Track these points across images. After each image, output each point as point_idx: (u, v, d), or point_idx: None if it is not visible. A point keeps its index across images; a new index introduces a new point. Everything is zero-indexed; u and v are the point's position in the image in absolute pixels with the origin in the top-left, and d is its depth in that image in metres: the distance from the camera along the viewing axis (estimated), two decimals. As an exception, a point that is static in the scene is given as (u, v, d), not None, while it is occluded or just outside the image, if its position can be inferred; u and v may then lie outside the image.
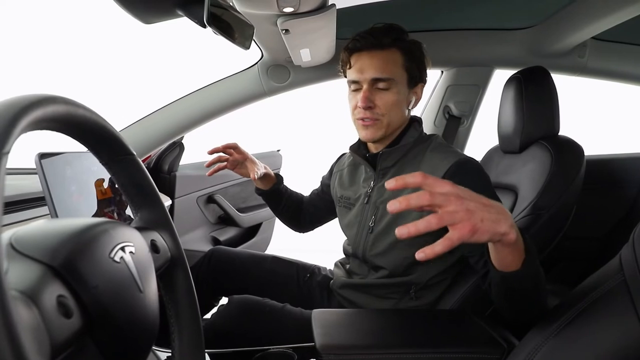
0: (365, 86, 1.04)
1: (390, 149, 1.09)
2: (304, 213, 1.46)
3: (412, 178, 0.61)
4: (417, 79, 1.08)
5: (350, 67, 1.08)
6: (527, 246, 0.73)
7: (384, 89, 1.04)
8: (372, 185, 1.14)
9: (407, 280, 1.09)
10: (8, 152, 0.33)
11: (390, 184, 0.61)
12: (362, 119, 1.06)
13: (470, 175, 0.99)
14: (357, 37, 1.06)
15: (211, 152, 1.29)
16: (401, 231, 0.59)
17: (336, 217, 1.34)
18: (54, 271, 0.38)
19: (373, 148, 1.15)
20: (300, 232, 1.52)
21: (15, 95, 0.38)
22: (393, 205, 0.59)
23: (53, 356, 0.33)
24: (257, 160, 1.33)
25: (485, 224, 0.61)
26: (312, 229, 1.51)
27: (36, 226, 0.43)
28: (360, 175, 1.22)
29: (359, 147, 1.18)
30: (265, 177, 1.35)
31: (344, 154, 1.36)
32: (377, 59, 1.03)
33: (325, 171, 1.44)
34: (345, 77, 1.12)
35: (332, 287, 1.25)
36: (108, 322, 0.41)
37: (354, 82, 1.07)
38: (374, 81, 1.04)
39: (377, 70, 1.03)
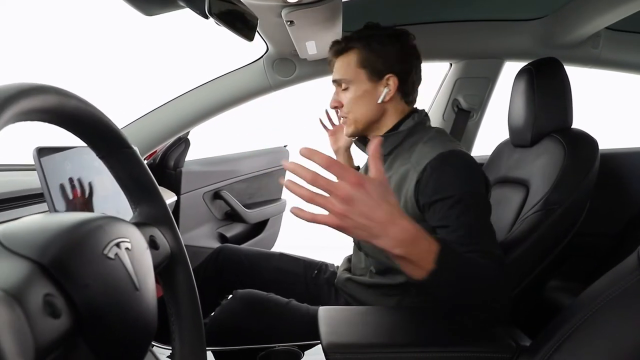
0: (335, 89, 1.17)
1: (381, 136, 1.11)
2: None
3: (319, 159, 0.64)
4: (382, 72, 1.10)
5: None
6: (441, 264, 0.75)
7: (345, 89, 1.13)
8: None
9: (403, 281, 1.06)
10: None
11: (302, 151, 0.66)
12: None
13: (450, 167, 0.96)
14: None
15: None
16: (295, 211, 0.65)
17: None
18: (42, 269, 0.36)
19: (371, 137, 1.16)
20: None
21: (1, 84, 0.36)
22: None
23: (38, 357, 0.32)
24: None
25: (357, 231, 0.68)
26: None
27: (26, 221, 0.41)
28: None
29: (364, 137, 1.21)
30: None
31: None
32: (336, 64, 1.15)
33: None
34: None
35: (337, 285, 1.24)
36: (100, 322, 0.39)
37: None
38: (337, 84, 1.15)
39: (335, 75, 1.15)
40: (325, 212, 0.67)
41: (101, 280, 0.40)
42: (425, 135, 1.09)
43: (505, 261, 0.89)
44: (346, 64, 1.12)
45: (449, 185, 0.93)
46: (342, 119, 1.17)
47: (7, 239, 0.37)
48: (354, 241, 1.23)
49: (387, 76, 1.10)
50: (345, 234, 0.70)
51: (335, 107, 1.16)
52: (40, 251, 0.37)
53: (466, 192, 0.92)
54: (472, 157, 1.01)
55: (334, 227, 0.68)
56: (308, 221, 0.67)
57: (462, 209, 0.91)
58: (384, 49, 1.09)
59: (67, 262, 0.38)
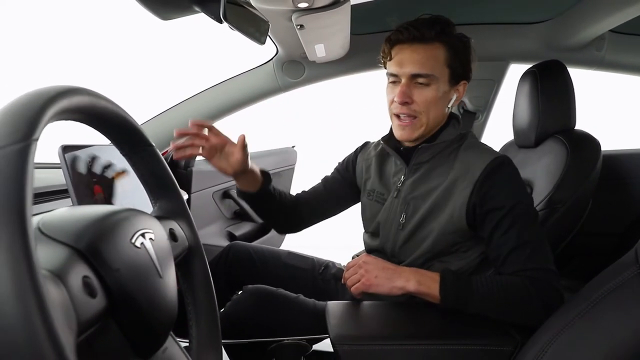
0: (404, 80, 1.00)
1: (428, 144, 1.06)
2: (299, 210, 1.29)
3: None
4: (460, 76, 1.04)
5: (390, 59, 1.04)
6: (446, 293, 0.92)
7: (423, 84, 1.00)
8: (402, 179, 1.10)
9: None
10: (37, 139, 0.35)
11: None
12: (398, 116, 1.04)
13: (504, 177, 0.98)
14: (399, 29, 1.01)
15: (179, 134, 1.03)
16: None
17: (342, 210, 1.33)
18: (79, 253, 0.39)
19: (407, 142, 1.10)
20: (294, 232, 1.36)
21: (42, 86, 0.40)
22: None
23: (80, 332, 0.35)
24: (246, 145, 1.09)
25: (379, 279, 0.95)
26: (309, 226, 1.35)
27: (61, 212, 0.45)
28: (390, 167, 1.17)
29: (390, 139, 1.13)
30: (248, 175, 1.14)
31: (367, 142, 1.30)
32: (418, 53, 0.99)
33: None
34: (385, 68, 1.08)
35: None
36: (129, 304, 0.43)
37: (393, 75, 1.03)
38: (414, 76, 0.99)
39: (417, 65, 0.98)
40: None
41: (130, 266, 0.44)
42: (461, 140, 1.07)
43: (548, 274, 0.91)
44: (434, 58, 0.99)
45: (502, 195, 0.95)
46: (402, 116, 1.03)
47: (46, 227, 0.41)
48: (372, 246, 1.23)
49: (462, 82, 1.05)
50: (375, 290, 0.95)
51: (404, 103, 1.00)
52: (76, 238, 0.41)
53: (517, 203, 0.94)
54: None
55: (366, 289, 0.96)
56: (356, 294, 0.98)
57: (510, 221, 0.93)
58: (468, 53, 1.04)
59: (100, 248, 0.41)
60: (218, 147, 1.08)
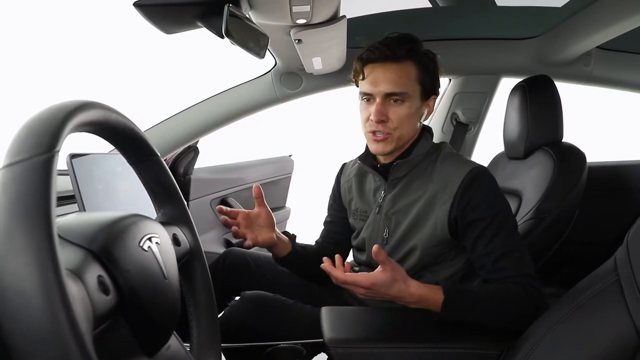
0: (378, 99, 1.02)
1: (403, 160, 1.08)
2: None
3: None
4: (430, 92, 1.07)
5: (363, 79, 1.05)
6: (447, 305, 0.92)
7: (397, 102, 1.02)
8: (382, 195, 1.13)
9: None
10: (59, 151, 0.38)
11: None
12: (374, 132, 1.04)
13: (483, 187, 1.00)
14: (371, 48, 1.03)
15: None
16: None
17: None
18: (94, 255, 0.43)
19: (382, 159, 1.13)
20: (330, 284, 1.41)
21: (62, 101, 0.44)
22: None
23: (95, 325, 0.39)
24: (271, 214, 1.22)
25: (379, 299, 0.92)
26: None
27: (75, 217, 0.48)
28: (369, 185, 1.20)
29: (366, 157, 1.16)
30: (279, 241, 1.21)
31: (345, 164, 1.34)
32: (391, 72, 1.01)
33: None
34: (357, 86, 1.09)
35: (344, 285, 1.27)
36: (138, 303, 0.46)
37: (366, 94, 1.05)
38: (388, 95, 1.01)
39: (391, 84, 1.00)
40: None
41: (138, 267, 0.48)
42: (437, 153, 1.10)
43: (533, 280, 0.94)
44: (406, 76, 1.01)
45: (483, 205, 0.97)
46: (377, 133, 1.04)
47: (63, 231, 0.45)
48: (360, 261, 1.25)
49: (432, 97, 1.07)
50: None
51: (381, 121, 1.02)
52: (90, 241, 0.44)
53: (497, 212, 0.97)
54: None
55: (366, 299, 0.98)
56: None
57: (493, 231, 0.96)
58: (436, 69, 1.06)
59: (112, 251, 0.45)
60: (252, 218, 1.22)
